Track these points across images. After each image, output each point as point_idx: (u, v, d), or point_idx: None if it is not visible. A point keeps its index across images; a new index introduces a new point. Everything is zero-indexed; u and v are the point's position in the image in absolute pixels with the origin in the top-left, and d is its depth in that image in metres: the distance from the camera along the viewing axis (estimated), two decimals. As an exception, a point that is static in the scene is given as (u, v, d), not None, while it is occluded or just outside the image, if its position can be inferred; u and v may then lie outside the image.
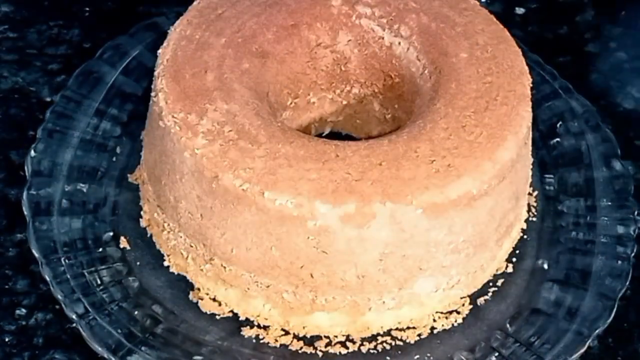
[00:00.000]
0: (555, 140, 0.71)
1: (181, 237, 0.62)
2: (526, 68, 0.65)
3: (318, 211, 0.57)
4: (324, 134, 0.70)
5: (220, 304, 0.62)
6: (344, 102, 0.69)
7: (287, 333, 0.62)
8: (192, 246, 0.62)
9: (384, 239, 0.58)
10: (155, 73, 0.63)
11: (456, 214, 0.59)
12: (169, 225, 0.63)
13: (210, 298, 0.62)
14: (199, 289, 0.63)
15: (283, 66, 0.66)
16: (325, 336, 0.62)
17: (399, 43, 0.66)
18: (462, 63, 0.64)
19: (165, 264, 0.64)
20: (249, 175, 0.58)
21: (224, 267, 0.61)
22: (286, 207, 0.57)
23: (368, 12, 0.67)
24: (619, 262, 0.64)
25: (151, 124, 0.63)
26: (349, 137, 0.70)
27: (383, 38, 0.66)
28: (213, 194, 0.59)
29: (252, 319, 0.62)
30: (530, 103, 0.63)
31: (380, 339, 0.62)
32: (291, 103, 0.67)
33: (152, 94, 0.63)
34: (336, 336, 0.62)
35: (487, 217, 0.61)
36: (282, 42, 0.65)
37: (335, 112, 0.69)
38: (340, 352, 0.61)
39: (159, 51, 0.64)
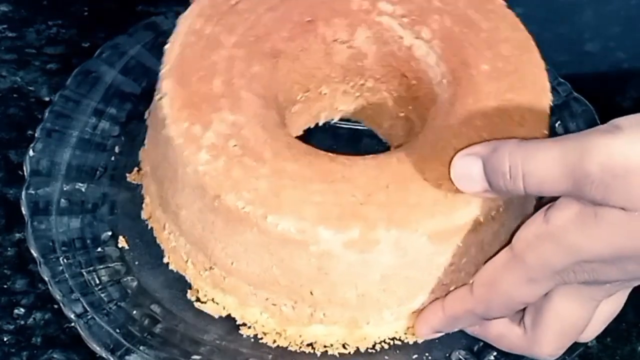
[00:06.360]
0: (554, 140, 0.71)
1: (182, 241, 0.61)
2: (548, 84, 0.62)
3: (321, 236, 0.55)
4: (332, 121, 0.69)
5: (218, 305, 0.62)
6: (357, 94, 0.67)
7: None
8: (192, 252, 0.61)
9: (386, 262, 0.57)
10: (161, 73, 0.61)
11: (461, 239, 0.57)
12: (170, 227, 0.62)
13: (209, 299, 0.62)
14: (197, 290, 0.62)
15: (296, 64, 0.63)
16: (324, 336, 0.61)
17: (420, 46, 0.64)
18: (482, 77, 0.61)
19: (165, 260, 0.63)
20: (252, 197, 0.56)
21: (224, 277, 0.60)
22: (289, 231, 0.55)
23: (389, 9, 0.64)
24: (619, 262, 0.64)
25: (155, 123, 0.61)
26: (357, 130, 0.70)
27: (403, 38, 0.64)
28: (215, 211, 0.57)
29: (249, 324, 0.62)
30: (547, 124, 0.60)
31: (379, 338, 0.62)
32: (302, 97, 0.65)
33: (156, 93, 0.61)
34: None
35: (492, 238, 0.59)
36: (296, 40, 0.63)
37: (347, 102, 0.67)
38: (339, 352, 0.61)
39: (166, 46, 0.62)
